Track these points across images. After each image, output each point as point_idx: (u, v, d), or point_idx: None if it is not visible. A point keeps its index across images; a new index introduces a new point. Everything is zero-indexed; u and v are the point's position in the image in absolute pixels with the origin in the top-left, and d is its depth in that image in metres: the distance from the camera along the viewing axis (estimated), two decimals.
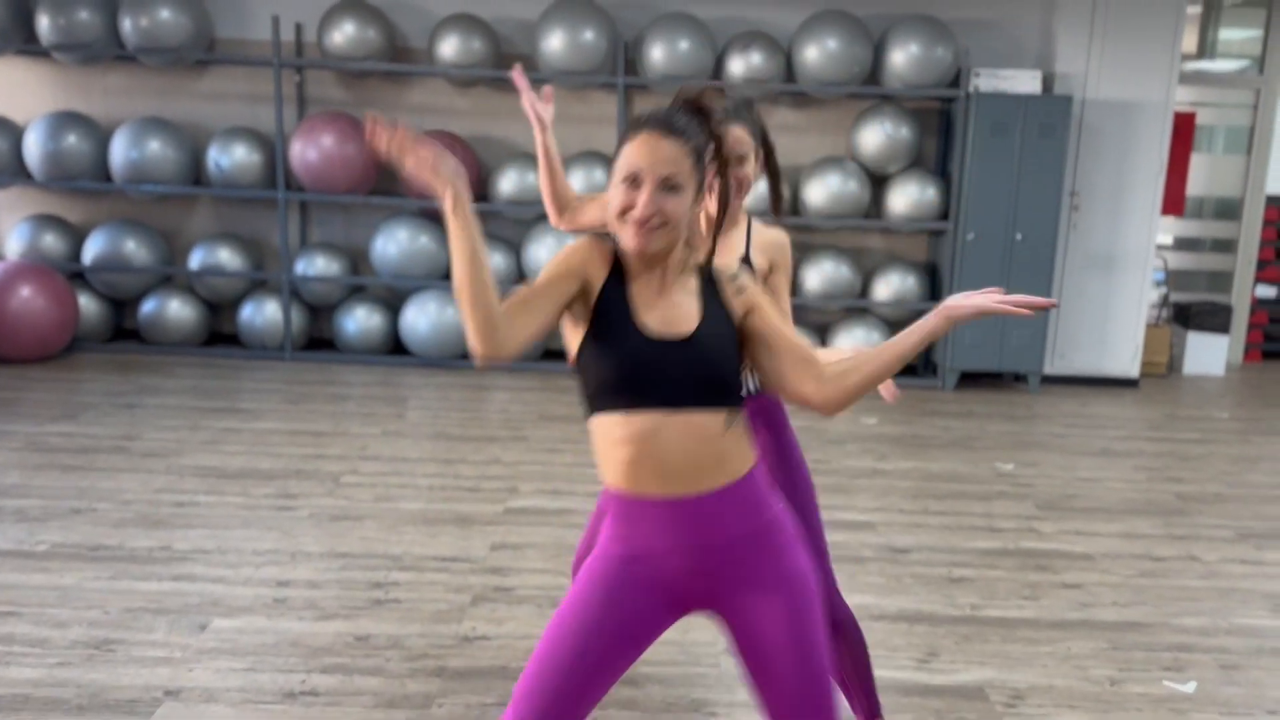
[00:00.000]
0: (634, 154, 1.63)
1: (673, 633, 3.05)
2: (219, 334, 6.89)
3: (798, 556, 1.69)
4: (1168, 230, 8.12)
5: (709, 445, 1.64)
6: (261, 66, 6.50)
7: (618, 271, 1.69)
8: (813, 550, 2.11)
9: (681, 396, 1.63)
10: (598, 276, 1.68)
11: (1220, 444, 5.51)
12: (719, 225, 1.80)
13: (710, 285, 1.72)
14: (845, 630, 2.29)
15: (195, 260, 6.51)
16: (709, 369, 1.65)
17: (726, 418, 1.65)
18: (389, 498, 4.11)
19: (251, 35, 6.59)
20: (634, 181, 1.62)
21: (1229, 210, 8.00)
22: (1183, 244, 8.28)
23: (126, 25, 6.20)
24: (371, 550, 3.57)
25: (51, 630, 2.91)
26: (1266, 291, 8.12)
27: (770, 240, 2.31)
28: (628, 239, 1.64)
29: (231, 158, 6.39)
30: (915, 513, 4.21)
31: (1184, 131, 7.07)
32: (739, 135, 2.15)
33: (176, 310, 6.55)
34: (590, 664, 1.63)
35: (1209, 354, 7.44)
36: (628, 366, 1.63)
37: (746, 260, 2.24)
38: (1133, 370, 6.78)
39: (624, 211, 1.63)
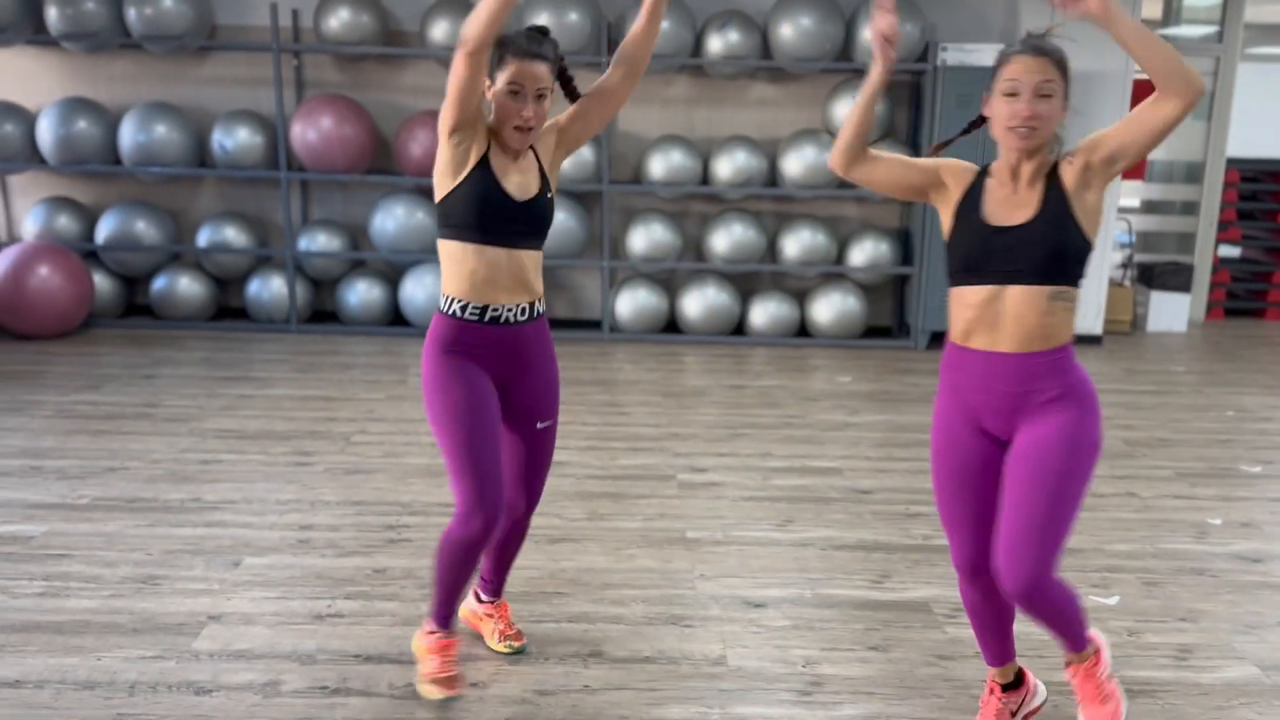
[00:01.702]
0: (1014, 70, 2.06)
1: (654, 561, 3.42)
2: (227, 308, 7.22)
3: (1089, 426, 2.10)
4: (1136, 194, 8.46)
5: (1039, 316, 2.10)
6: (261, 51, 6.79)
7: (979, 182, 2.18)
8: None
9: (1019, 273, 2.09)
10: (959, 185, 2.21)
11: (1172, 395, 5.88)
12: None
13: (1054, 182, 2.11)
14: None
15: (203, 238, 6.83)
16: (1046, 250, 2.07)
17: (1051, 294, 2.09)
18: (396, 454, 4.47)
19: (250, 22, 6.87)
20: (1014, 94, 2.05)
21: (1193, 174, 8.34)
22: (1150, 207, 8.63)
23: (131, 14, 6.48)
24: (383, 499, 3.93)
25: (102, 569, 3.27)
26: (1229, 251, 8.48)
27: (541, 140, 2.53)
28: (1014, 141, 2.06)
29: (235, 140, 6.70)
30: (880, 459, 4.58)
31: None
32: None
33: (186, 286, 6.88)
34: (966, 496, 2.22)
35: (1172, 312, 7.81)
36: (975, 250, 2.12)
37: (543, 170, 2.48)
38: (1096, 328, 7.14)
39: (1009, 120, 2.05)
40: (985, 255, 2.09)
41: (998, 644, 2.41)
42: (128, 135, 6.64)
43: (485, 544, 2.43)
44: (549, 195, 2.46)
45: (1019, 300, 2.08)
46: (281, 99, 6.60)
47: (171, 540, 3.50)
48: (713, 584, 3.27)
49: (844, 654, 2.85)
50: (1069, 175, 2.10)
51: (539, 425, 2.56)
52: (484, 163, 2.34)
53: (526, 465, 2.60)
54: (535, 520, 3.73)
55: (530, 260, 2.45)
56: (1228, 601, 3.25)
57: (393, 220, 6.77)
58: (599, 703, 2.58)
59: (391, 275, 7.09)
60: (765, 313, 6.92)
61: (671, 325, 7.09)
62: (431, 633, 2.62)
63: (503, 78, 2.31)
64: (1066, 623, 2.25)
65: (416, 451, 4.50)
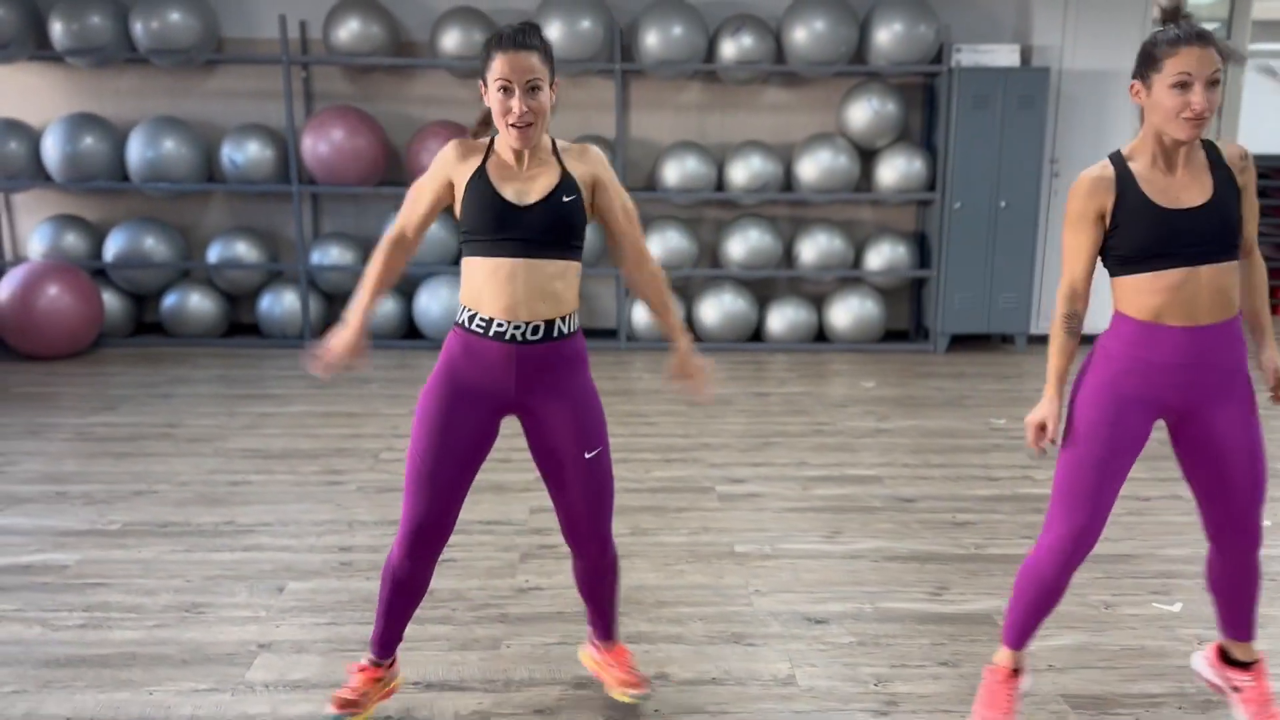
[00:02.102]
0: (1185, 61, 2.04)
1: (705, 577, 3.35)
2: (238, 324, 7.14)
3: (1246, 374, 2.22)
4: None
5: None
6: (269, 64, 6.71)
7: (1125, 173, 2.17)
8: None
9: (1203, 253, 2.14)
10: (1109, 193, 2.19)
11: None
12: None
13: (1216, 160, 2.17)
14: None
15: (213, 254, 6.75)
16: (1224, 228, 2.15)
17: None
18: None
19: (258, 34, 6.80)
20: (1185, 85, 2.04)
21: None
22: None
23: (137, 28, 6.40)
24: None
25: (142, 597, 3.18)
26: None
27: (578, 156, 2.35)
28: (1185, 131, 2.06)
29: (245, 154, 6.62)
30: (918, 466, 4.52)
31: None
32: None
33: (197, 303, 6.79)
34: (1112, 457, 2.22)
35: None
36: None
37: (568, 175, 2.28)
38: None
39: (1181, 111, 2.06)
40: (1171, 238, 2.11)
41: (1032, 624, 2.40)
42: (135, 151, 6.55)
43: (410, 576, 2.35)
44: (565, 198, 2.23)
45: (1213, 277, 2.13)
46: (292, 112, 6.52)
47: (210, 566, 3.42)
48: (769, 599, 3.21)
49: (915, 670, 2.79)
50: (1237, 171, 2.18)
51: (586, 455, 2.32)
52: (480, 173, 2.24)
53: (584, 500, 2.36)
54: None
55: (551, 271, 2.23)
56: None
57: None
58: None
59: (406, 288, 7.01)
60: (783, 318, 6.86)
61: (688, 332, 7.01)
62: (366, 664, 2.51)
63: (492, 75, 2.16)
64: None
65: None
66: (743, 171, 6.69)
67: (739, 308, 6.81)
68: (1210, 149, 2.18)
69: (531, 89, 2.16)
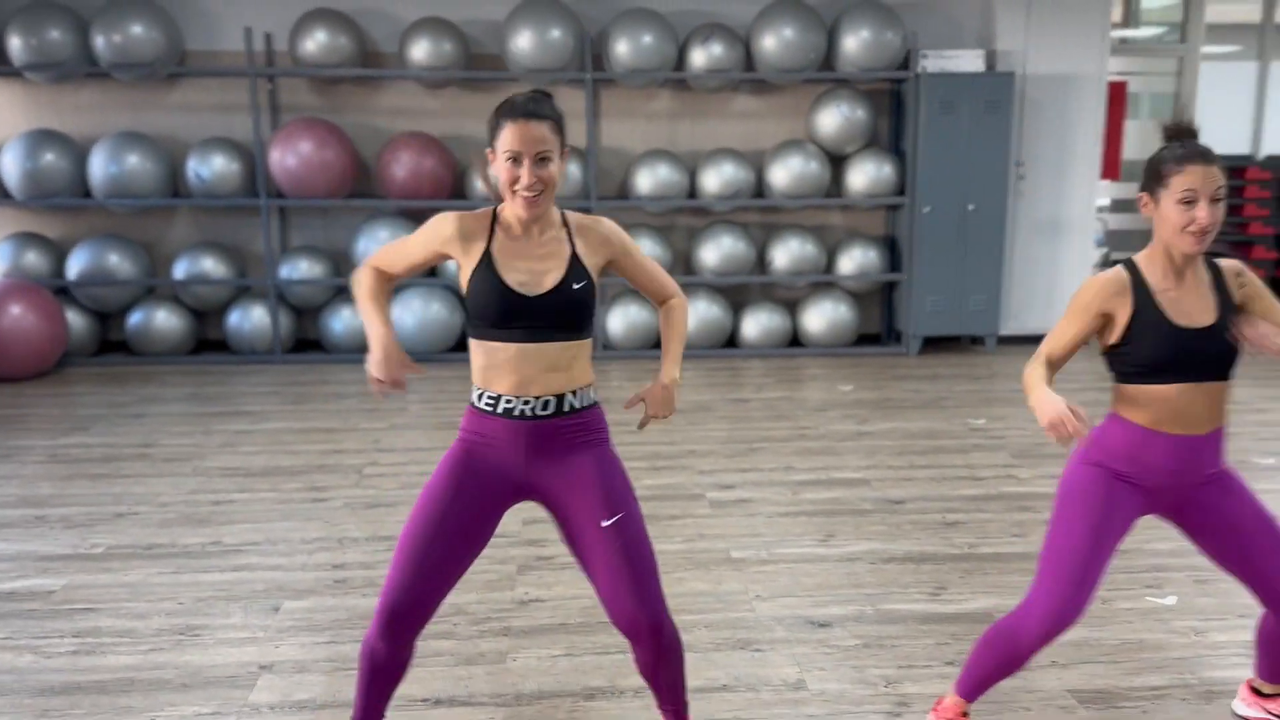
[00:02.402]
0: (1190, 179, 2.10)
1: (705, 584, 3.35)
2: (206, 341, 7.02)
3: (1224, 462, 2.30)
4: (1106, 193, 8.60)
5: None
6: (233, 77, 6.62)
7: (1141, 284, 2.21)
8: None
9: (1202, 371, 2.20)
10: (1125, 301, 2.21)
11: None
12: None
13: (1219, 281, 2.23)
14: None
15: (179, 270, 6.64)
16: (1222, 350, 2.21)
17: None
18: (414, 485, 4.35)
19: (222, 46, 6.71)
20: (1191, 202, 2.11)
21: None
22: (1119, 205, 8.77)
23: (98, 42, 6.29)
24: None
25: (134, 621, 3.11)
26: None
27: (591, 233, 2.25)
28: (1190, 245, 2.13)
29: (211, 167, 6.52)
30: (903, 468, 4.56)
31: (1117, 99, 7.52)
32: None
33: (163, 320, 6.68)
34: (1101, 541, 2.23)
35: None
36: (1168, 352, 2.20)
37: (577, 257, 2.20)
38: None
39: (1187, 226, 2.12)
40: (1184, 356, 2.17)
41: (993, 682, 2.39)
42: (98, 166, 6.43)
43: (388, 658, 2.19)
44: (577, 285, 2.14)
45: (1214, 392, 2.21)
46: (258, 124, 6.44)
47: (201, 587, 3.35)
48: (771, 604, 3.21)
49: (923, 671, 2.80)
50: (1235, 289, 2.24)
51: (603, 524, 2.15)
52: (486, 259, 2.14)
53: (614, 573, 2.15)
54: None
55: (559, 350, 2.15)
56: None
57: (377, 244, 6.63)
58: None
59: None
60: (757, 324, 6.89)
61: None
62: None
63: (500, 145, 2.09)
64: None
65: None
66: (714, 178, 6.72)
67: (713, 314, 6.83)
68: (1212, 268, 2.24)
69: (541, 160, 2.08)
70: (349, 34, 6.50)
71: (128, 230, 6.89)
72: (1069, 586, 2.19)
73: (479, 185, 6.63)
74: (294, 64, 6.55)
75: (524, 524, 3.88)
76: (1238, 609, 3.17)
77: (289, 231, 7.03)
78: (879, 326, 7.41)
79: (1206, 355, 2.18)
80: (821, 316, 6.93)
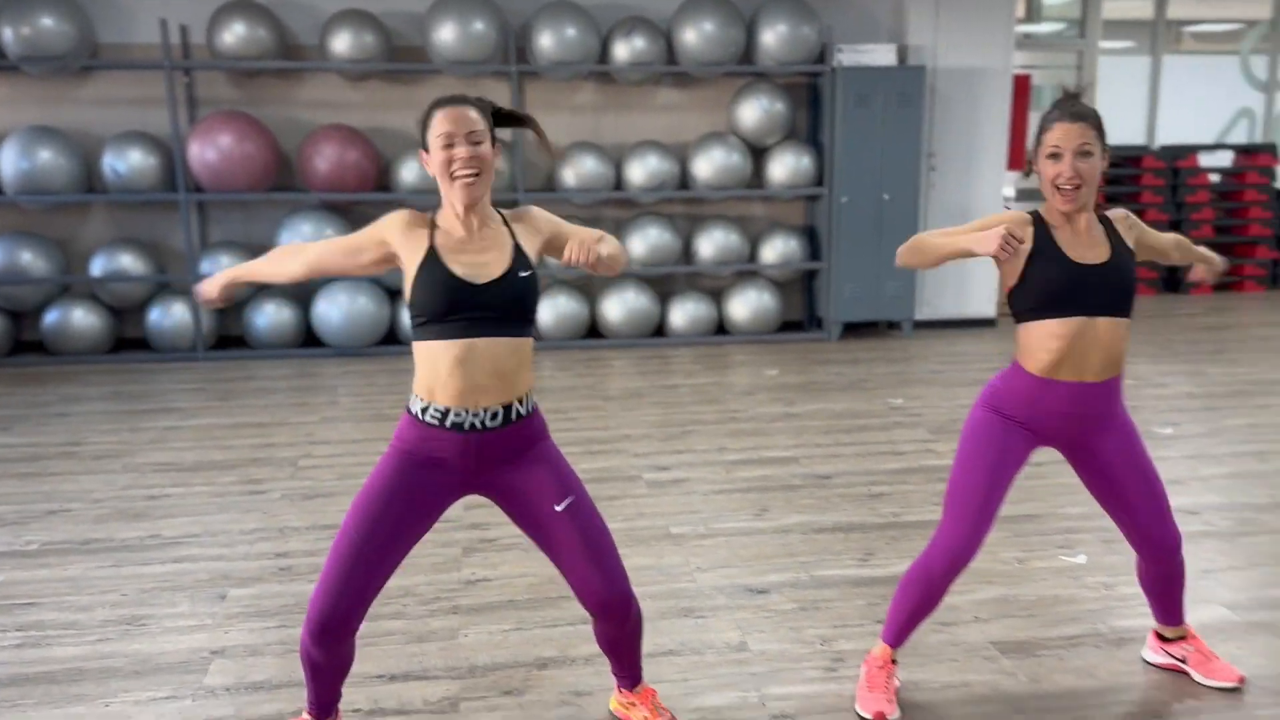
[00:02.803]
0: (1055, 135, 2.28)
1: (647, 559, 3.46)
2: (125, 339, 6.89)
3: (1123, 409, 2.45)
4: (1012, 184, 8.95)
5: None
6: (149, 70, 6.51)
7: (1042, 224, 2.37)
8: None
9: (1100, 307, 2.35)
10: (1029, 234, 2.37)
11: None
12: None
13: (1111, 229, 2.40)
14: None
15: (97, 267, 6.50)
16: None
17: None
18: (351, 475, 4.37)
19: (136, 39, 6.58)
20: (1057, 156, 2.28)
21: None
22: (1024, 195, 9.14)
23: (6, 35, 6.12)
24: None
25: (77, 614, 3.10)
26: None
27: (525, 221, 2.31)
28: (1060, 200, 2.31)
29: (127, 162, 6.40)
30: (829, 445, 4.74)
31: (1022, 92, 7.84)
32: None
33: (81, 319, 6.53)
34: (997, 479, 2.42)
35: None
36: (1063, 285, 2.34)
37: (519, 246, 2.23)
38: (990, 311, 7.54)
39: (1055, 179, 2.29)
40: (1076, 287, 2.31)
41: (913, 625, 2.57)
42: (9, 162, 6.26)
43: (326, 660, 2.21)
44: (523, 273, 2.17)
45: (1108, 331, 2.33)
46: (176, 118, 6.35)
47: (144, 579, 3.35)
48: (711, 575, 3.34)
49: (856, 629, 2.96)
50: (1125, 232, 2.42)
51: (556, 508, 2.22)
52: (430, 254, 2.15)
53: (578, 555, 2.22)
54: (519, 532, 3.74)
55: (507, 350, 2.14)
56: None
57: (300, 238, 6.59)
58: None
59: (301, 296, 6.90)
60: (684, 313, 7.03)
61: (593, 330, 7.13)
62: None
63: (433, 134, 2.13)
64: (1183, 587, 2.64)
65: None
66: (640, 171, 6.83)
67: (641, 304, 6.95)
68: (1103, 221, 2.41)
69: (473, 140, 2.12)
70: (268, 26, 6.44)
71: (41, 227, 6.72)
72: (969, 523, 2.38)
73: (403, 176, 6.63)
74: (212, 56, 6.47)
75: (466, 509, 3.94)
76: None
77: (209, 226, 6.94)
78: (801, 313, 7.61)
79: (1100, 288, 2.31)
80: (746, 305, 7.10)
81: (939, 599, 2.48)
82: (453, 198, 2.15)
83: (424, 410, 2.17)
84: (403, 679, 2.72)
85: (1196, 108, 9.51)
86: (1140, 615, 3.04)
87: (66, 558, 3.52)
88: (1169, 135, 9.44)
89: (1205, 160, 9.31)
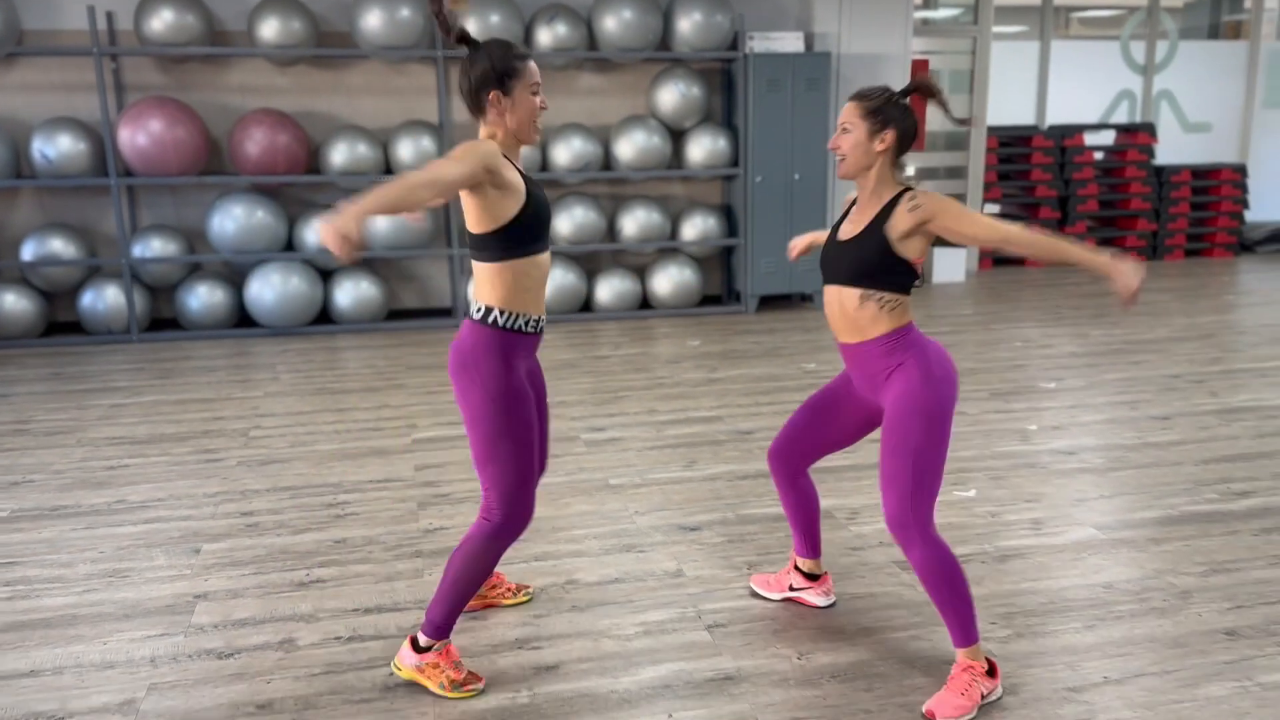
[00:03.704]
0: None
1: (590, 506, 3.81)
2: (57, 324, 6.95)
3: (911, 383, 2.45)
4: (912, 163, 9.48)
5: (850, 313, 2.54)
6: (74, 56, 6.58)
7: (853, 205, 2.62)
8: None
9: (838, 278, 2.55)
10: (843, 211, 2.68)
11: (968, 333, 6.79)
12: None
13: (884, 213, 2.47)
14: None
15: (28, 252, 6.56)
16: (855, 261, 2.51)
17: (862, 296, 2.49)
18: (303, 443, 4.62)
19: (62, 25, 6.64)
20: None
21: (958, 142, 9.44)
22: (923, 173, 9.69)
23: None
24: (311, 482, 4.11)
25: (60, 570, 3.32)
26: (992, 209, 9.66)
27: None
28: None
29: (57, 148, 6.47)
30: (750, 406, 5.14)
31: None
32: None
33: (12, 303, 6.59)
34: (830, 422, 2.77)
35: (952, 265, 8.86)
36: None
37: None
38: None
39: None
40: (824, 261, 2.59)
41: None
42: None
43: (507, 547, 2.57)
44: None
45: (837, 298, 2.54)
46: (106, 104, 6.44)
47: (119, 539, 3.57)
48: (649, 517, 3.70)
49: (777, 556, 3.35)
50: (900, 220, 2.43)
51: (546, 401, 2.78)
52: (529, 181, 2.47)
53: (545, 437, 2.81)
54: (469, 482, 4.06)
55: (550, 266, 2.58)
56: (1058, 485, 3.99)
57: (232, 221, 6.75)
58: (590, 617, 2.96)
59: (233, 277, 7.04)
60: (610, 289, 7.37)
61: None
62: (429, 647, 2.61)
63: (523, 82, 2.43)
64: (936, 588, 2.47)
65: (323, 439, 4.66)
66: (565, 152, 7.14)
67: (569, 281, 7.27)
68: (898, 199, 2.46)
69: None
70: (195, 12, 6.56)
71: None
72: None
73: (333, 159, 6.81)
74: (139, 43, 6.56)
75: (416, 469, 4.24)
76: (1025, 495, 3.88)
77: (140, 210, 7.03)
78: (720, 288, 8.01)
79: (837, 260, 2.53)
80: (668, 280, 7.47)
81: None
82: (530, 136, 2.48)
83: (515, 318, 2.50)
84: (376, 611, 3.02)
85: (1082, 90, 10.15)
86: (1020, 537, 3.50)
87: (39, 522, 3.72)
88: (1057, 116, 10.07)
89: (1090, 139, 9.97)
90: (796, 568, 3.03)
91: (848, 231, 2.55)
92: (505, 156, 2.42)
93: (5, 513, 3.82)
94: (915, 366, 2.47)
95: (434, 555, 3.40)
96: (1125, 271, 2.32)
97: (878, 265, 2.46)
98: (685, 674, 2.67)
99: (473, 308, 2.53)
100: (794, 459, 2.85)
